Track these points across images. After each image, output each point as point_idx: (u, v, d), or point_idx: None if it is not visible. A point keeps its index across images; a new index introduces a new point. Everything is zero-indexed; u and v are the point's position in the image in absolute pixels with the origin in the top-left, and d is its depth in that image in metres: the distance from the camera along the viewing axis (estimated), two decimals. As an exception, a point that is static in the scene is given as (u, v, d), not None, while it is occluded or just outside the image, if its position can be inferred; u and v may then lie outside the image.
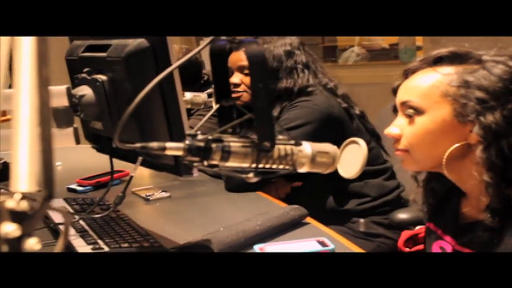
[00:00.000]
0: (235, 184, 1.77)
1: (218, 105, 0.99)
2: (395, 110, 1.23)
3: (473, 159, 1.09)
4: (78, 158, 2.15)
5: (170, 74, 1.16)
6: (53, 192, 0.52)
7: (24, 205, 0.50)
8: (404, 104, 1.16)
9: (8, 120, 1.88)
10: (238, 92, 1.99)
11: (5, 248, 0.50)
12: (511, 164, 1.06)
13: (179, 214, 1.66)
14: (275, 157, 0.95)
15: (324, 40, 4.42)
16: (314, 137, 1.80)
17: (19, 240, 0.50)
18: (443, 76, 1.12)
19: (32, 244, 0.51)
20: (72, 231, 1.36)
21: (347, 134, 1.91)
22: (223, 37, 0.93)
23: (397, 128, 1.17)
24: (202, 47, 0.96)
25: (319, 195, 1.95)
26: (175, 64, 0.94)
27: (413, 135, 1.15)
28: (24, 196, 0.50)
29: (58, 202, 1.61)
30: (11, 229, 0.49)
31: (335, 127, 1.88)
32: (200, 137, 0.91)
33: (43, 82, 0.51)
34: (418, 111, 1.13)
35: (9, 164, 1.96)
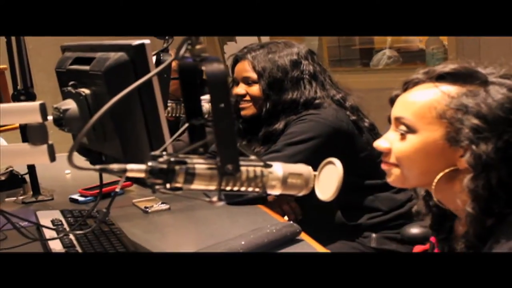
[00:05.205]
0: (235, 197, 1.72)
1: (187, 124, 0.96)
2: (390, 121, 1.18)
3: (460, 185, 1.04)
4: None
5: (150, 86, 1.13)
6: None
7: None
8: (398, 119, 1.12)
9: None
10: (244, 102, 1.93)
11: None
12: (496, 197, 1.01)
13: (175, 228, 1.63)
14: (242, 179, 0.91)
15: (359, 42, 4.30)
16: (320, 153, 1.78)
17: None
18: (442, 95, 1.06)
19: None
20: (59, 245, 1.34)
21: (356, 148, 1.86)
22: (188, 55, 0.89)
23: (387, 141, 1.14)
24: (167, 63, 0.92)
25: (327, 210, 1.88)
26: (138, 82, 0.90)
27: (403, 152, 1.11)
28: None
29: (54, 214, 1.60)
30: None
31: (343, 142, 1.82)
32: (163, 158, 0.88)
33: None
34: (411, 130, 1.09)
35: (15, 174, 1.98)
